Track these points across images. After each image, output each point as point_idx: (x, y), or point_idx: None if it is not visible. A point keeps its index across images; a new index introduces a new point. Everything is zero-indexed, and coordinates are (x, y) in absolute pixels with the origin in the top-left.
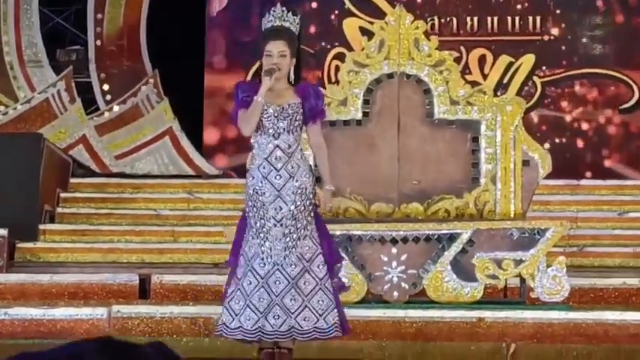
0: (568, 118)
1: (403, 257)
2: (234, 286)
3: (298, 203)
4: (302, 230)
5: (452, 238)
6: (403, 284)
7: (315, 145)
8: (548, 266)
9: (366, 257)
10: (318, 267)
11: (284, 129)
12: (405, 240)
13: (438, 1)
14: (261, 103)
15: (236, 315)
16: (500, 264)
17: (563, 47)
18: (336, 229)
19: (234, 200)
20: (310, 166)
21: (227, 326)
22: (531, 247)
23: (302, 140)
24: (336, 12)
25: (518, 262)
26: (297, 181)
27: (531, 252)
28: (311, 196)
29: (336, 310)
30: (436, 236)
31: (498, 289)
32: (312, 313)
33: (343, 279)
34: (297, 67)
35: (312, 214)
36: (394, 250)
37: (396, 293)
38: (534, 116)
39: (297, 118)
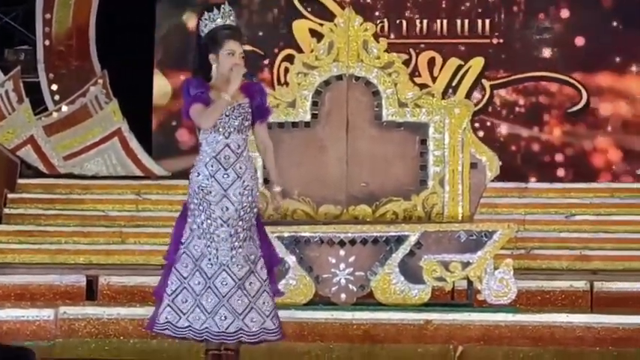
0: (516, 120)
1: (351, 259)
2: (178, 284)
3: (244, 204)
4: (247, 231)
5: (400, 240)
6: (351, 286)
7: (263, 145)
8: (495, 269)
9: (313, 259)
10: (260, 268)
11: (235, 128)
12: (352, 242)
13: (387, 4)
14: (228, 101)
15: (184, 314)
16: (448, 266)
17: (512, 50)
18: (284, 231)
19: (183, 202)
20: (256, 168)
21: (174, 325)
22: (479, 249)
23: (249, 142)
24: (286, 13)
25: (466, 265)
26: (244, 181)
27: (479, 254)
28: (255, 197)
29: (276, 312)
30: (384, 238)
31: (446, 291)
32: (259, 314)
33: (286, 281)
34: None
35: (254, 216)
36: (342, 252)
37: (343, 295)
38: (483, 118)
39: (248, 118)
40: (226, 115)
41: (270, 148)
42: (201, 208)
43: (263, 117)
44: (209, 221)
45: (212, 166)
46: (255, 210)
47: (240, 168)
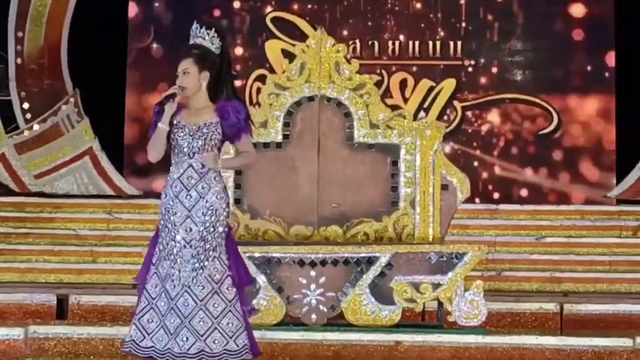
0: (487, 142)
1: (322, 280)
2: (146, 303)
3: (208, 224)
4: (211, 252)
5: (370, 261)
6: (321, 307)
7: (243, 153)
8: (465, 290)
9: (284, 280)
10: (227, 289)
11: (199, 148)
12: (323, 263)
13: (360, 25)
14: (165, 129)
15: (148, 334)
16: (419, 288)
17: (484, 72)
18: (255, 251)
19: (154, 221)
20: (225, 187)
21: (137, 344)
22: (449, 271)
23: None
24: (260, 34)
25: (436, 286)
26: (207, 201)
27: (449, 276)
28: (222, 217)
29: (245, 332)
30: (355, 259)
31: (416, 312)
32: (222, 335)
33: (257, 301)
34: (221, 81)
35: (224, 236)
36: (313, 273)
37: (314, 316)
38: (454, 141)
39: (213, 137)
40: (190, 135)
41: (248, 156)
42: (166, 229)
43: (238, 135)
44: (173, 242)
45: (176, 187)
46: (222, 229)
47: (203, 188)
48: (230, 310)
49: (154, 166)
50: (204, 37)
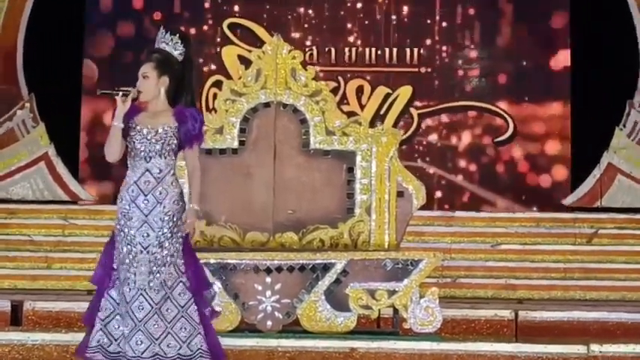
0: (444, 149)
1: (277, 286)
2: (112, 310)
3: (165, 230)
4: (168, 257)
5: (326, 268)
6: (277, 313)
7: (190, 168)
8: (421, 297)
9: (239, 286)
10: (179, 294)
11: (156, 152)
12: (279, 269)
13: (316, 32)
14: (118, 127)
15: (115, 340)
16: (374, 294)
17: (440, 79)
18: (210, 258)
19: (110, 227)
20: (182, 192)
21: (105, 349)
22: (405, 277)
23: (176, 165)
24: (216, 39)
25: (392, 293)
26: (164, 207)
27: (405, 283)
28: (179, 222)
29: (200, 336)
30: (310, 266)
31: (371, 319)
32: (176, 340)
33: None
34: (182, 87)
35: (181, 241)
36: (268, 280)
37: (269, 322)
38: (410, 147)
39: (171, 142)
40: (147, 139)
41: (198, 172)
42: (122, 234)
43: (191, 143)
44: (129, 247)
45: (133, 191)
46: (180, 234)
47: (161, 193)
48: (183, 316)
49: (109, 172)
50: (168, 43)
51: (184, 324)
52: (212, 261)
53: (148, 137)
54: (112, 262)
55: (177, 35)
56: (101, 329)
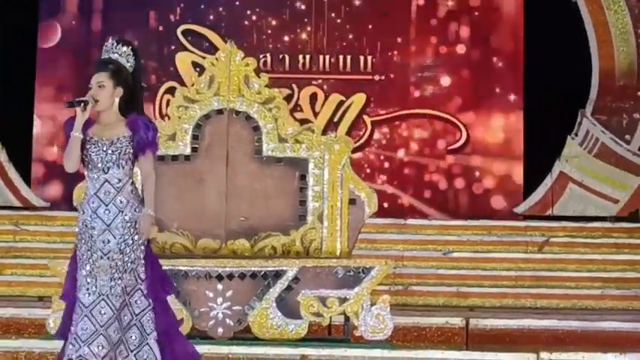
0: (397, 157)
1: (229, 293)
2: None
3: (126, 237)
4: (128, 264)
5: (278, 275)
6: (228, 320)
7: (144, 175)
8: (372, 304)
9: (191, 293)
10: (135, 302)
11: (113, 163)
12: (230, 276)
13: (270, 39)
14: (78, 137)
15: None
16: (325, 302)
17: (394, 87)
18: (162, 264)
19: (62, 233)
20: (142, 200)
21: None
22: (356, 285)
23: (134, 174)
24: (170, 46)
25: (343, 300)
26: (126, 215)
27: (356, 290)
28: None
29: (147, 347)
30: (262, 273)
31: (323, 326)
32: (126, 348)
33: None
34: (133, 98)
35: (142, 248)
36: (220, 286)
37: (220, 329)
38: (364, 155)
39: (127, 152)
40: (103, 151)
41: (152, 178)
42: (83, 241)
43: (144, 150)
44: (90, 252)
45: (94, 202)
46: (141, 242)
47: (121, 202)
48: (135, 324)
49: (62, 178)
50: (120, 54)
51: (135, 332)
52: (164, 268)
53: (104, 149)
54: (75, 274)
55: (129, 47)
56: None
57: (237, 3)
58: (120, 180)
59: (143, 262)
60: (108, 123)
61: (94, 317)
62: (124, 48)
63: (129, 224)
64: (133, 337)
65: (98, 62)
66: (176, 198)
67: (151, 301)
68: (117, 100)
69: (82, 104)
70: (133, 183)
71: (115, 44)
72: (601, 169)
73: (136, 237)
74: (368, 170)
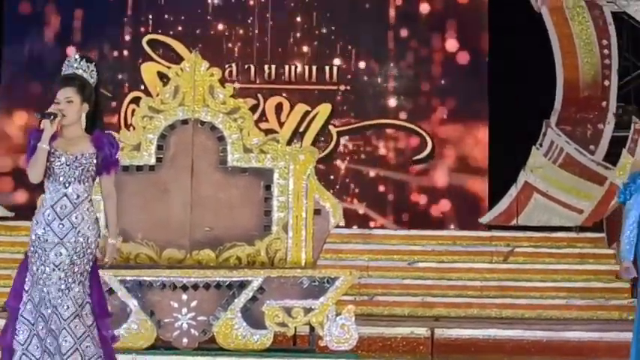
0: (362, 168)
1: (193, 304)
2: (28, 332)
3: (78, 250)
4: (78, 275)
5: (242, 285)
6: (193, 331)
7: (106, 195)
8: (337, 315)
9: (155, 303)
10: (86, 314)
11: (75, 178)
12: (195, 287)
13: (236, 49)
14: (45, 149)
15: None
16: (290, 312)
17: (359, 97)
18: (126, 275)
19: (25, 243)
20: (97, 218)
21: None
22: (321, 295)
23: (93, 190)
24: (135, 56)
25: (308, 311)
26: (79, 231)
27: (321, 300)
28: (92, 246)
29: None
30: (227, 283)
31: (288, 336)
32: (82, 357)
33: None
34: (95, 115)
35: (91, 264)
36: (184, 297)
37: (185, 340)
38: (329, 165)
39: (90, 169)
40: (67, 165)
41: (113, 198)
42: (36, 254)
43: (108, 169)
44: (43, 267)
45: (49, 215)
46: (91, 257)
47: (77, 218)
48: (89, 335)
49: (24, 188)
50: (85, 70)
51: (89, 343)
52: (128, 278)
53: (67, 163)
54: (23, 284)
55: (92, 63)
56: (24, 354)
57: (199, 11)
58: (79, 196)
59: (90, 277)
60: (72, 137)
61: (53, 330)
62: (88, 64)
63: (81, 239)
64: (89, 348)
65: (64, 77)
66: (141, 208)
67: (95, 316)
68: (83, 115)
69: (52, 117)
70: (90, 200)
71: (80, 60)
72: (566, 179)
73: (88, 251)
74: (332, 179)
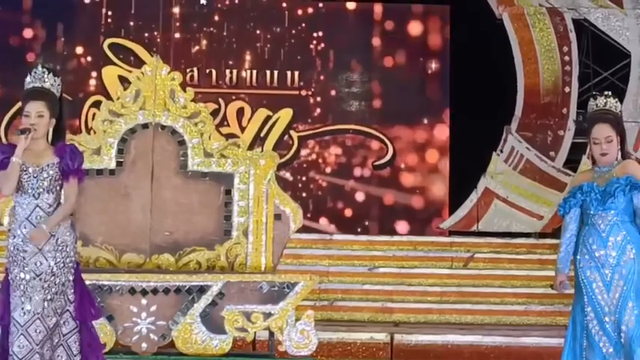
0: (323, 172)
1: (153, 308)
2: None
3: (58, 260)
4: (60, 286)
5: (202, 290)
6: (152, 335)
7: (64, 197)
8: (296, 320)
9: (115, 308)
10: (64, 323)
11: (44, 189)
12: (155, 291)
13: (197, 53)
14: (17, 163)
15: None
16: (250, 317)
17: (321, 102)
18: (85, 279)
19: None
20: (73, 223)
21: None
22: (281, 300)
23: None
24: (97, 59)
25: (268, 316)
26: (57, 239)
27: (280, 305)
28: (72, 253)
29: None
30: (186, 288)
31: (247, 341)
32: None
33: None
34: (59, 127)
35: (72, 271)
36: (144, 301)
37: (144, 344)
38: (290, 170)
39: (57, 178)
40: (34, 177)
41: (70, 201)
42: (15, 264)
43: (67, 177)
44: (22, 274)
45: (25, 227)
46: (71, 265)
47: (53, 226)
48: (61, 344)
49: None
50: (52, 84)
51: (61, 352)
52: (87, 282)
53: (35, 175)
54: (9, 297)
55: (58, 76)
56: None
57: (162, 16)
58: (50, 205)
59: (72, 284)
60: (37, 150)
61: (30, 336)
62: (55, 78)
63: (60, 247)
64: (60, 357)
65: (32, 90)
66: (100, 212)
67: (78, 322)
68: (51, 129)
69: (28, 132)
70: None
71: (46, 73)
72: (526, 185)
73: (67, 260)
74: (292, 182)
